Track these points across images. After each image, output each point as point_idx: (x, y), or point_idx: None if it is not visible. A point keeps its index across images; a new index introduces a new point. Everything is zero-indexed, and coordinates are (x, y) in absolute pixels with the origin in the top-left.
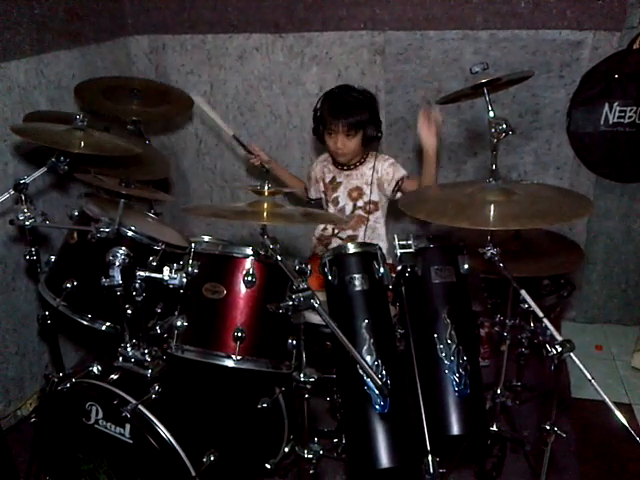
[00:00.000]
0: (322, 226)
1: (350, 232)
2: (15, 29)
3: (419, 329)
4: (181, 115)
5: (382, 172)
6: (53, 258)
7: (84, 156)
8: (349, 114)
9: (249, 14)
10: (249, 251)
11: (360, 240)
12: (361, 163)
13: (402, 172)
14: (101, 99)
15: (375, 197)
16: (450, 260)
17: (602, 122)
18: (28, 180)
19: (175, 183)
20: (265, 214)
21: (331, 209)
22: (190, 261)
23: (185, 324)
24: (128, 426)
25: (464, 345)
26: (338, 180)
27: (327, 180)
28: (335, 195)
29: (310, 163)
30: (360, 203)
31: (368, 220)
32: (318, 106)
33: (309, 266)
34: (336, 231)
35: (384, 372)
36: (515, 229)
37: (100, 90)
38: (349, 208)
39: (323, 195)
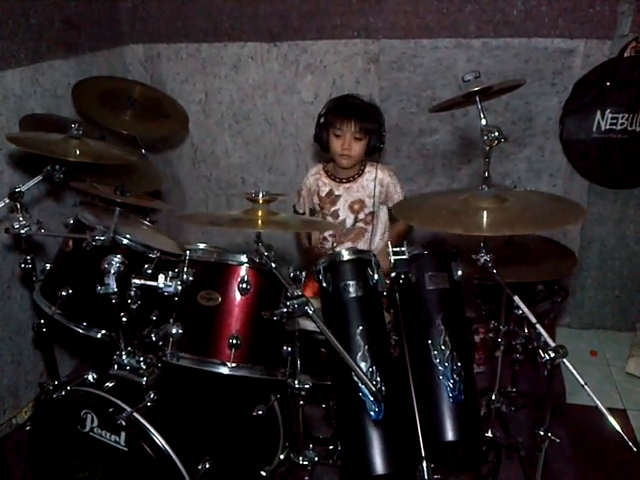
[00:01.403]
0: (318, 241)
1: (349, 244)
2: (11, 38)
3: (413, 335)
4: (176, 135)
5: (386, 186)
6: (48, 266)
7: (79, 164)
8: (360, 116)
9: (243, 23)
10: (244, 258)
11: None
12: (359, 175)
13: (402, 196)
14: (97, 104)
15: (375, 208)
16: (444, 266)
17: (594, 129)
18: (23, 188)
19: (171, 191)
20: (260, 221)
21: None
22: (185, 269)
23: (180, 331)
24: (123, 434)
25: (458, 351)
26: (337, 193)
27: (323, 193)
28: (334, 208)
29: (305, 171)
30: (361, 215)
31: (367, 232)
32: (323, 112)
33: (304, 273)
34: (335, 244)
35: (379, 378)
36: (508, 235)
37: (98, 93)
38: (350, 221)
39: (318, 208)
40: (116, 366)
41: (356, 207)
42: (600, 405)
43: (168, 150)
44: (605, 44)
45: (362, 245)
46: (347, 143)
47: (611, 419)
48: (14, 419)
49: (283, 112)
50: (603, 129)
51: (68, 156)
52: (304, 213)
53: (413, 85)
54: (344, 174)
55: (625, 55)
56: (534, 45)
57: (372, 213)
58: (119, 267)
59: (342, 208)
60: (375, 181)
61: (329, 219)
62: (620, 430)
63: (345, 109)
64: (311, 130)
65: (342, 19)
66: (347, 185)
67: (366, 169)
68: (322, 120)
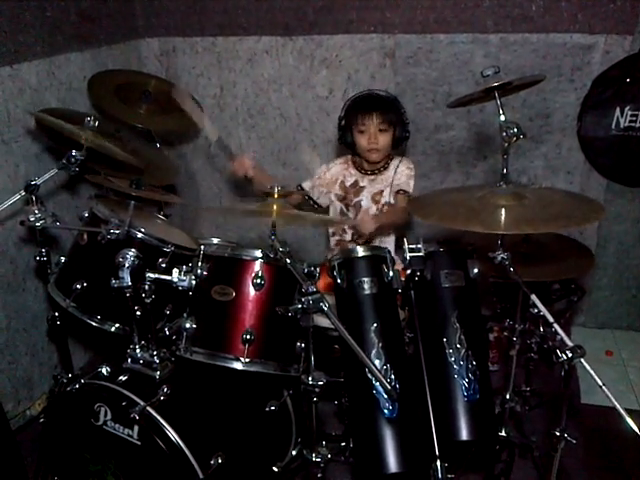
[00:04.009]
0: (337, 236)
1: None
2: (27, 31)
3: (428, 333)
4: (190, 129)
5: (399, 174)
6: (63, 259)
7: (95, 158)
8: (381, 109)
9: (259, 17)
10: (258, 253)
11: (380, 244)
12: (385, 168)
13: (408, 188)
14: (113, 98)
15: (391, 199)
16: (459, 264)
17: (613, 126)
18: (39, 181)
19: (184, 185)
20: (275, 214)
21: (351, 213)
22: (199, 263)
23: (194, 326)
24: (136, 427)
25: (473, 350)
26: (361, 184)
27: (348, 184)
28: (357, 199)
29: (319, 165)
30: (381, 206)
31: None
32: (343, 113)
33: (318, 269)
34: (355, 236)
35: (393, 376)
36: (526, 233)
37: (113, 87)
38: (372, 212)
39: (338, 198)
40: (130, 360)
41: (377, 198)
42: (618, 406)
43: (182, 144)
44: (626, 40)
45: (382, 235)
46: (373, 136)
47: (629, 420)
48: (28, 411)
49: (297, 107)
50: (622, 126)
51: (80, 140)
52: (309, 196)
53: (429, 80)
54: (371, 167)
55: None
56: (553, 41)
57: (387, 204)
58: (133, 261)
59: (365, 199)
60: (395, 172)
61: (351, 210)
62: (638, 431)
63: (365, 104)
64: (326, 125)
65: (358, 14)
66: (372, 177)
67: (391, 162)
68: (343, 122)
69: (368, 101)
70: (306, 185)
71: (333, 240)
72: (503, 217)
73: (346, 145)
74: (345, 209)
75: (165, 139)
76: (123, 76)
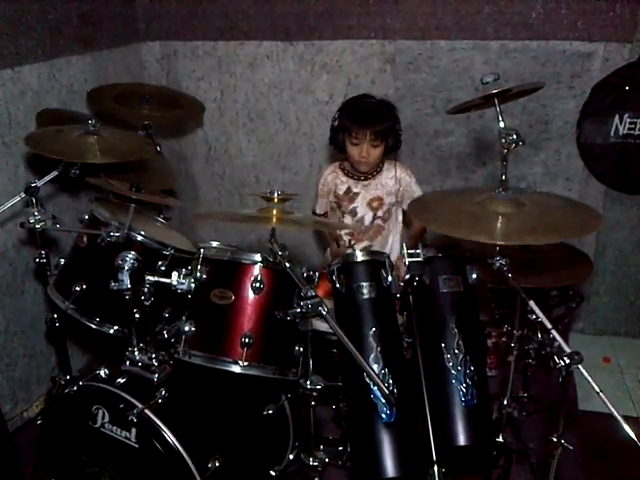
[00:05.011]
0: (334, 241)
1: (367, 243)
2: (29, 34)
3: (426, 338)
4: (192, 120)
5: (405, 186)
6: (62, 261)
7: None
8: (376, 123)
9: (260, 21)
10: (257, 257)
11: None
12: (378, 172)
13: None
14: (113, 104)
15: (393, 206)
16: (458, 270)
17: (612, 133)
18: (39, 183)
19: (184, 189)
20: (274, 219)
21: (347, 220)
22: (199, 266)
23: (193, 329)
24: (134, 430)
25: (471, 355)
26: (355, 191)
27: (340, 191)
28: (353, 206)
29: (319, 170)
30: (380, 213)
31: (385, 229)
32: (337, 116)
33: (317, 274)
34: (352, 242)
35: (391, 381)
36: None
37: (112, 96)
38: (369, 218)
39: (336, 206)
40: (128, 362)
41: (375, 204)
42: (615, 413)
43: (182, 147)
44: (625, 47)
45: (379, 242)
46: (365, 151)
47: (626, 427)
48: (25, 412)
49: (298, 111)
50: (621, 133)
51: (89, 158)
52: (325, 214)
53: (429, 86)
54: (362, 172)
55: None
56: (552, 48)
57: (388, 211)
58: (133, 263)
59: (360, 205)
60: (395, 179)
61: (347, 217)
62: (635, 438)
63: (360, 117)
64: (325, 130)
65: (359, 19)
66: (365, 182)
67: (384, 167)
68: (337, 123)
69: (363, 114)
70: (318, 210)
71: (332, 247)
72: (504, 228)
73: (336, 147)
74: (341, 216)
75: (165, 143)
76: (122, 87)
